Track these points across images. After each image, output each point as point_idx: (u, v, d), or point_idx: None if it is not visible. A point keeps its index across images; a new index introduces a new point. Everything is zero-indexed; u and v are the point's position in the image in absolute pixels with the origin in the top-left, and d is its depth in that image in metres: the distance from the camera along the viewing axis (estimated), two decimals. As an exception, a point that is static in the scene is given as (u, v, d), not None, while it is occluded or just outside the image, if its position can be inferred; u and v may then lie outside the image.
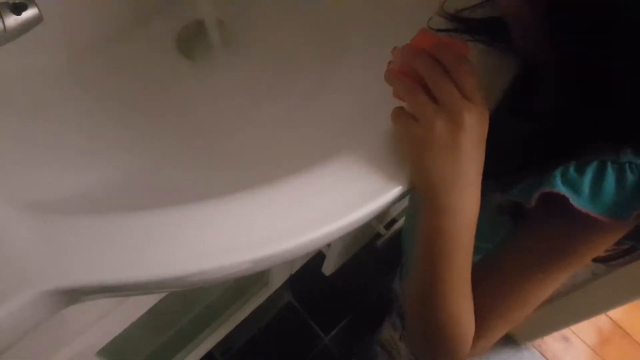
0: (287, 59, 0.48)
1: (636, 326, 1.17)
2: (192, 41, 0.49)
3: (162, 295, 0.49)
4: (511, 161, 0.35)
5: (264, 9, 0.51)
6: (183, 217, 0.29)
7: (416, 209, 0.33)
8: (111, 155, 0.39)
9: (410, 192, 0.33)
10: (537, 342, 1.12)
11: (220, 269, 0.28)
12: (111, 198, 0.35)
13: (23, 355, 0.36)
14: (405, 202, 0.51)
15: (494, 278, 0.35)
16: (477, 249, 0.33)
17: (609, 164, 0.30)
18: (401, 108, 0.32)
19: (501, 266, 0.35)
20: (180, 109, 0.45)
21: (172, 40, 0.48)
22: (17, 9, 0.30)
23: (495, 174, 0.33)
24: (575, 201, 0.30)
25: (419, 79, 0.31)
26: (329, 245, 0.89)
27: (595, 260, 0.34)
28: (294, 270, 0.94)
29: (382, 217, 0.90)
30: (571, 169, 0.31)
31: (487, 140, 0.31)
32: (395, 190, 0.32)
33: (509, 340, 1.10)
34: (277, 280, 0.94)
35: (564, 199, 0.30)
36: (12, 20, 0.30)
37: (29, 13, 0.30)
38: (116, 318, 0.46)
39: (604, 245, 0.32)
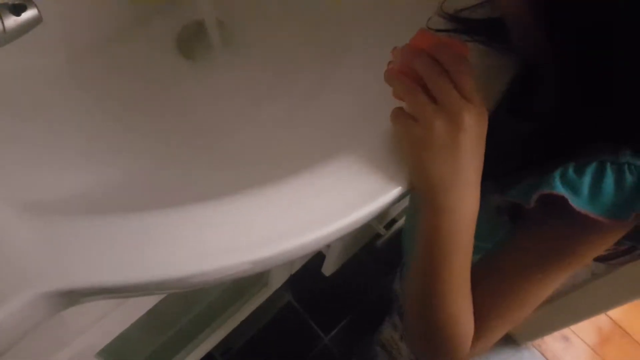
0: (287, 59, 0.48)
1: (636, 326, 1.17)
2: (192, 41, 0.48)
3: (162, 295, 0.49)
4: (510, 162, 0.35)
5: (264, 9, 0.51)
6: (183, 218, 0.29)
7: (416, 209, 0.33)
8: (111, 156, 0.39)
9: (410, 192, 0.33)
10: (537, 341, 1.12)
11: (220, 270, 0.28)
12: (111, 199, 0.35)
13: (23, 355, 0.36)
14: (405, 202, 0.51)
15: (494, 278, 0.35)
16: (476, 249, 0.33)
17: (608, 164, 0.30)
18: (401, 108, 0.32)
19: (500, 266, 0.35)
20: (180, 109, 0.45)
21: (172, 41, 0.48)
22: (17, 10, 0.30)
23: (494, 174, 0.33)
24: (574, 202, 0.30)
25: (418, 79, 0.31)
26: (328, 245, 0.89)
27: (595, 259, 0.34)
28: (293, 271, 0.94)
29: (382, 217, 0.90)
30: (570, 170, 0.31)
31: (486, 141, 0.31)
32: (395, 191, 0.32)
33: (509, 340, 1.11)
34: (277, 281, 0.94)
35: (563, 200, 0.30)
36: (11, 21, 0.30)
37: (29, 14, 0.30)
38: (116, 318, 0.46)
39: (603, 246, 0.32)
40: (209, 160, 0.41)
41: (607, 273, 0.78)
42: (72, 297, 0.27)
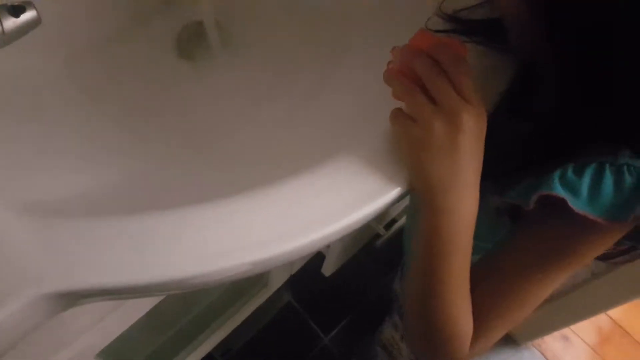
0: (287, 59, 0.48)
1: (636, 325, 1.17)
2: (191, 42, 0.48)
3: (161, 296, 0.49)
4: (509, 162, 0.35)
5: (263, 9, 0.51)
6: (182, 219, 0.29)
7: (415, 209, 0.33)
8: (110, 157, 0.39)
9: (410, 192, 0.33)
10: (537, 341, 1.12)
11: (220, 271, 0.28)
12: (110, 200, 0.35)
13: (23, 356, 0.36)
14: (405, 202, 0.51)
15: (493, 278, 0.35)
16: (476, 249, 0.33)
17: (607, 166, 0.30)
18: (400, 109, 0.32)
19: (500, 266, 0.35)
20: (180, 110, 0.45)
21: (171, 41, 0.48)
22: (16, 12, 0.30)
23: (494, 175, 0.33)
24: (573, 203, 0.30)
25: (417, 80, 0.31)
26: (328, 245, 0.89)
27: (595, 257, 0.34)
28: (293, 271, 0.94)
29: (382, 217, 0.90)
30: (569, 171, 0.31)
31: (485, 141, 0.31)
32: (395, 191, 0.32)
33: (509, 340, 1.11)
34: (277, 281, 0.94)
35: (563, 201, 0.30)
36: (10, 22, 0.30)
37: (28, 15, 0.30)
38: (116, 319, 0.46)
39: (603, 246, 0.32)
40: (209, 161, 0.41)
41: (607, 273, 0.78)
42: (72, 298, 0.27)
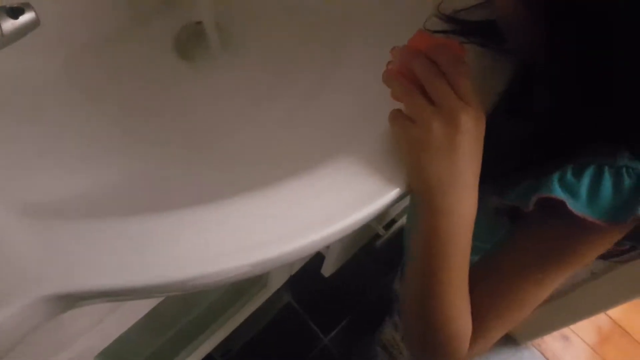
0: (287, 59, 0.48)
1: (635, 325, 1.17)
2: (190, 42, 0.48)
3: (161, 298, 0.49)
4: (508, 163, 0.35)
5: (263, 10, 0.51)
6: (182, 221, 0.29)
7: (414, 210, 0.33)
8: (110, 158, 0.39)
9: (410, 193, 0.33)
10: (537, 341, 1.12)
11: (220, 272, 0.28)
12: (110, 201, 0.35)
13: (22, 358, 0.36)
14: (404, 202, 0.51)
15: (492, 278, 0.35)
16: (476, 249, 0.33)
17: (606, 168, 0.30)
18: (399, 110, 0.32)
19: (499, 266, 0.35)
20: (180, 111, 0.45)
21: (171, 42, 0.48)
22: (14, 13, 0.30)
23: (493, 176, 0.33)
24: (572, 206, 0.30)
25: (416, 81, 0.31)
26: (327, 246, 0.90)
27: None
28: (293, 272, 0.94)
29: (382, 217, 0.90)
30: (569, 173, 0.31)
31: (484, 142, 0.31)
32: (394, 192, 0.32)
33: (509, 340, 1.11)
34: (277, 282, 0.94)
35: (562, 203, 0.30)
36: (9, 24, 0.29)
37: (26, 17, 0.30)
38: (115, 320, 0.46)
39: (603, 247, 0.32)
40: (208, 162, 0.41)
41: (606, 272, 0.79)
42: (72, 300, 0.27)
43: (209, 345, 0.88)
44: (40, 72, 0.42)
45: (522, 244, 0.35)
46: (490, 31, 0.35)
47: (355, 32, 0.46)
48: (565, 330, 1.15)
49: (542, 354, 1.12)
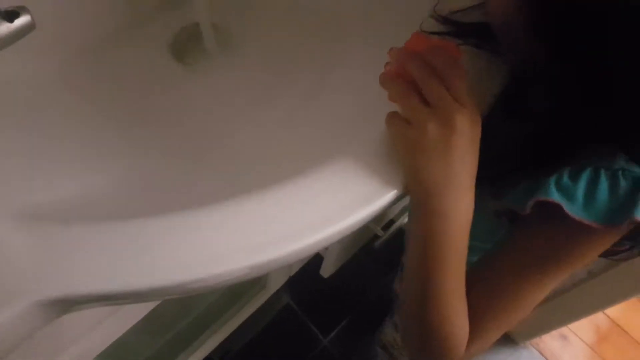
0: (286, 60, 0.48)
1: (634, 324, 1.17)
2: (189, 44, 0.48)
3: (159, 300, 0.49)
4: (505, 164, 0.35)
5: (262, 10, 0.51)
6: (180, 224, 0.29)
7: (411, 211, 0.33)
8: (107, 160, 0.39)
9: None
10: (535, 340, 1.12)
11: (219, 275, 0.28)
12: (107, 204, 0.34)
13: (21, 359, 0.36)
14: (403, 203, 0.51)
15: (490, 279, 0.35)
16: (476, 250, 0.33)
17: (602, 170, 0.30)
18: (395, 112, 0.32)
19: (498, 267, 0.36)
20: (178, 113, 0.45)
21: (168, 44, 0.48)
22: (10, 17, 0.30)
23: (489, 177, 0.33)
24: (569, 209, 0.30)
25: (413, 82, 0.31)
26: (326, 247, 0.89)
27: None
28: (292, 273, 0.94)
29: (380, 218, 0.90)
30: (565, 177, 0.31)
31: (481, 144, 0.31)
32: (393, 193, 0.32)
33: (507, 340, 1.11)
34: (276, 283, 0.94)
35: (559, 207, 0.30)
36: (4, 27, 0.29)
37: (22, 20, 0.30)
38: (114, 322, 0.46)
39: (602, 247, 0.32)
40: (207, 163, 0.41)
41: (604, 271, 0.79)
42: (69, 304, 0.27)
43: (208, 346, 0.88)
44: (36, 75, 0.42)
45: (521, 244, 0.35)
46: (486, 33, 0.35)
47: (355, 32, 0.46)
48: (564, 330, 1.15)
49: (541, 353, 1.12)
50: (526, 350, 1.11)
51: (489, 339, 0.35)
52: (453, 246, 0.31)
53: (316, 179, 0.32)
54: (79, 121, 0.41)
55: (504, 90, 0.36)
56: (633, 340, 1.16)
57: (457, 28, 0.38)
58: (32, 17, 0.31)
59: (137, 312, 0.48)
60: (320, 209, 0.30)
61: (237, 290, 0.88)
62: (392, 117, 0.32)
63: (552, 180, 0.31)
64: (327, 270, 0.98)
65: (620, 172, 0.29)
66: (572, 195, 0.30)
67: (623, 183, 0.29)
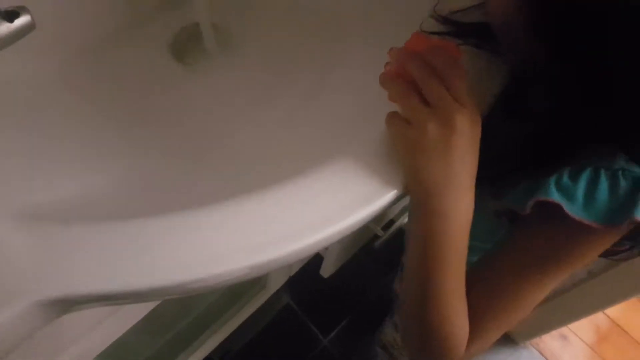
0: (286, 60, 0.48)
1: (634, 324, 1.17)
2: (189, 44, 0.48)
3: (159, 300, 0.49)
4: (504, 164, 0.35)
5: (262, 10, 0.51)
6: (180, 224, 0.29)
7: (411, 211, 0.33)
8: (107, 160, 0.39)
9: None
10: (535, 340, 1.12)
11: (219, 275, 0.28)
12: (107, 205, 0.35)
13: (21, 359, 0.36)
14: (403, 203, 0.51)
15: (490, 279, 0.35)
16: (476, 250, 0.33)
17: (602, 170, 0.30)
18: (395, 112, 0.32)
19: (498, 266, 0.36)
20: (178, 113, 0.45)
21: (168, 44, 0.48)
22: (10, 17, 0.30)
23: (489, 177, 0.33)
24: (569, 209, 0.30)
25: (413, 82, 0.31)
26: (326, 247, 0.89)
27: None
28: (292, 273, 0.94)
29: (380, 218, 0.90)
30: (565, 177, 0.31)
31: (481, 144, 0.31)
32: (393, 193, 0.32)
33: (507, 340, 1.11)
34: (276, 283, 0.94)
35: (559, 207, 0.30)
36: (4, 27, 0.29)
37: (22, 20, 0.30)
38: (115, 322, 0.46)
39: (601, 248, 0.33)
40: (207, 163, 0.41)
41: (604, 271, 0.79)
42: (69, 304, 0.27)
43: (208, 346, 0.88)
44: (36, 75, 0.42)
45: (521, 244, 0.35)
46: (486, 33, 0.35)
47: (355, 32, 0.46)
48: (564, 330, 1.15)
49: (541, 353, 1.12)
50: (526, 350, 1.11)
51: (489, 339, 0.35)
52: (453, 246, 0.31)
53: (316, 179, 0.32)
54: (79, 121, 0.41)
55: (504, 90, 0.36)
56: (633, 340, 1.16)
57: (457, 28, 0.38)
58: (32, 17, 0.31)
59: (137, 312, 0.48)
60: (320, 209, 0.30)
61: (237, 290, 0.88)
62: (392, 117, 0.32)
63: (552, 180, 0.31)
64: (327, 270, 0.98)
65: (620, 172, 0.30)
66: (572, 195, 0.30)
67: (623, 183, 0.29)
